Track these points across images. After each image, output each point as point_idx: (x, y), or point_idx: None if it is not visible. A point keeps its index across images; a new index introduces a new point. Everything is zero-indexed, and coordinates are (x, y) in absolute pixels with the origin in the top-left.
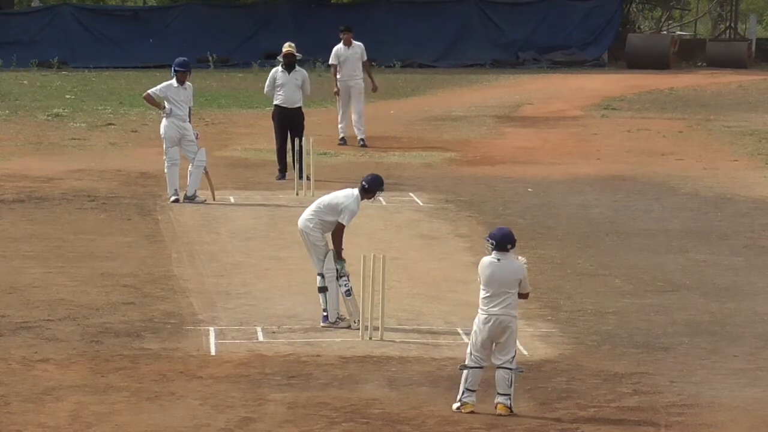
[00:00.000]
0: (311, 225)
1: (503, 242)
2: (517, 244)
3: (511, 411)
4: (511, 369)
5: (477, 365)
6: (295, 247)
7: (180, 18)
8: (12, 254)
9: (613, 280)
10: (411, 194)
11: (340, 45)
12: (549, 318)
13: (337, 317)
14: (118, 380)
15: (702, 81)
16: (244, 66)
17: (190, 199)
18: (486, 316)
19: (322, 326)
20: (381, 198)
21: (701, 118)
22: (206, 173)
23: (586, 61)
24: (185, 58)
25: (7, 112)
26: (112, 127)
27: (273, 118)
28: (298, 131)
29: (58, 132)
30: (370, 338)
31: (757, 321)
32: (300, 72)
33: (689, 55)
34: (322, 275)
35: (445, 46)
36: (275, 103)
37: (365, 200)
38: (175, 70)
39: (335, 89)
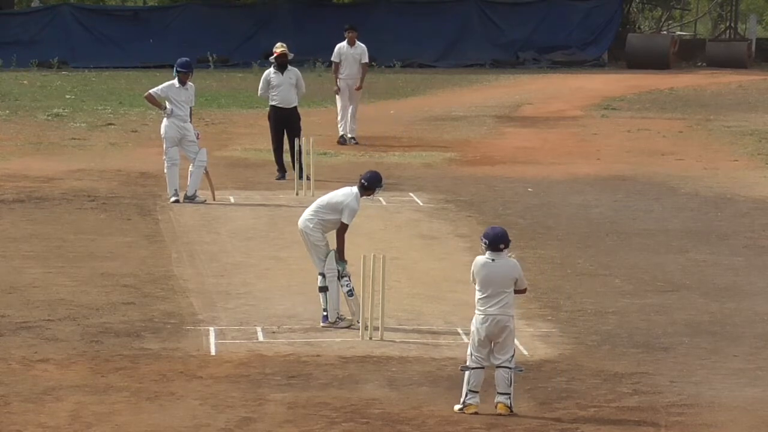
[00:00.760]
0: (311, 225)
1: (496, 242)
2: (512, 243)
3: (511, 410)
4: (510, 368)
5: (478, 365)
6: (295, 247)
7: (180, 18)
8: (12, 254)
9: (613, 280)
10: (411, 194)
11: (344, 43)
12: (549, 318)
13: (337, 317)
14: (118, 380)
15: (702, 81)
16: (244, 66)
17: (190, 199)
18: (483, 316)
19: (322, 326)
20: (381, 198)
21: (701, 118)
22: (207, 173)
23: (586, 61)
24: (187, 59)
25: (7, 112)
26: (112, 127)
27: (269, 119)
28: (294, 131)
29: (58, 132)
30: (370, 338)
31: (757, 321)
32: (293, 71)
33: (689, 55)
34: (323, 275)
35: (445, 46)
36: (271, 103)
37: (365, 198)
38: (177, 71)
39: (336, 87)
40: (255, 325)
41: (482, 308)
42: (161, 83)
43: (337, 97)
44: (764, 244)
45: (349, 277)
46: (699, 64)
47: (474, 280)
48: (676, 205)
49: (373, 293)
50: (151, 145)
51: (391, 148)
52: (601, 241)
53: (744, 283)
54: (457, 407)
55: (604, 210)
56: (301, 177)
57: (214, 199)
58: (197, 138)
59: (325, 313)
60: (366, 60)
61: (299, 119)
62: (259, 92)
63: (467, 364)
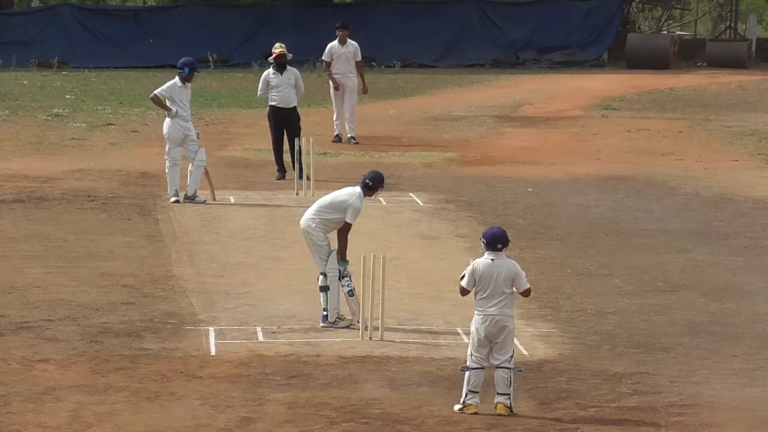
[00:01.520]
0: (313, 225)
1: (493, 242)
2: (512, 244)
3: (511, 410)
4: (509, 368)
5: (478, 366)
6: (295, 247)
7: (180, 18)
8: (12, 254)
9: (613, 280)
10: (411, 194)
11: (335, 42)
12: (549, 318)
13: (337, 317)
14: (118, 380)
15: (702, 81)
16: (244, 66)
17: (190, 199)
18: (482, 316)
19: (322, 326)
20: (381, 198)
21: (701, 118)
22: (206, 173)
23: (586, 61)
24: (192, 59)
25: (7, 112)
26: (112, 127)
27: (268, 119)
28: (294, 131)
29: (58, 132)
30: (370, 338)
31: (757, 321)
32: (292, 71)
33: (689, 55)
34: (324, 274)
35: (445, 46)
36: (270, 104)
37: (366, 198)
38: (189, 71)
39: (334, 85)
40: (255, 325)
41: (481, 308)
42: (161, 83)
43: (332, 96)
44: (764, 244)
45: (350, 277)
46: (699, 64)
47: (473, 281)
48: (676, 205)
49: (373, 293)
50: (151, 145)
51: (391, 148)
52: (601, 241)
53: (744, 283)
54: (456, 407)
55: (604, 210)
56: (301, 177)
57: (214, 199)
58: (197, 137)
59: (325, 313)
60: (359, 58)
61: (299, 119)
62: (259, 92)
63: (467, 364)
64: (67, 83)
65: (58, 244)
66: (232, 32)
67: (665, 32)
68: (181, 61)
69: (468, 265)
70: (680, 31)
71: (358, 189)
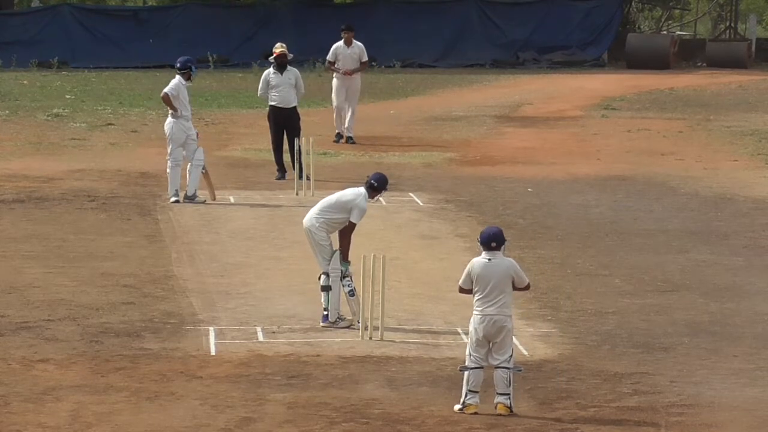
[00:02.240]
0: (317, 224)
1: (488, 240)
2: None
3: (511, 410)
4: (509, 368)
5: (477, 365)
6: (295, 247)
7: (180, 18)
8: (12, 254)
9: (613, 280)
10: (411, 194)
11: (340, 43)
12: (549, 318)
13: (337, 317)
14: (118, 380)
15: (702, 81)
16: (244, 66)
17: (190, 199)
18: (480, 316)
19: (322, 326)
20: (381, 198)
21: (701, 118)
22: (205, 173)
23: (586, 61)
24: (190, 57)
25: (7, 112)
26: (112, 127)
27: (268, 119)
28: (294, 131)
29: (58, 132)
30: (370, 338)
31: (757, 321)
32: (292, 71)
33: (689, 55)
34: (326, 274)
35: (445, 46)
36: (270, 103)
37: (370, 200)
38: (192, 68)
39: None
40: (255, 325)
41: (480, 308)
42: (161, 83)
43: (334, 95)
44: (764, 244)
45: (351, 277)
46: (699, 64)
47: (469, 281)
48: (676, 205)
49: (373, 293)
50: (151, 145)
51: (391, 148)
52: (601, 241)
53: (744, 283)
54: (456, 407)
55: (604, 210)
56: (301, 177)
57: (213, 199)
58: (197, 137)
59: (325, 313)
60: (366, 58)
61: (299, 119)
62: (259, 92)
63: (466, 364)
64: (67, 83)
65: (58, 244)
66: (232, 32)
67: (665, 32)
68: (181, 60)
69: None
70: (680, 31)
71: (362, 189)
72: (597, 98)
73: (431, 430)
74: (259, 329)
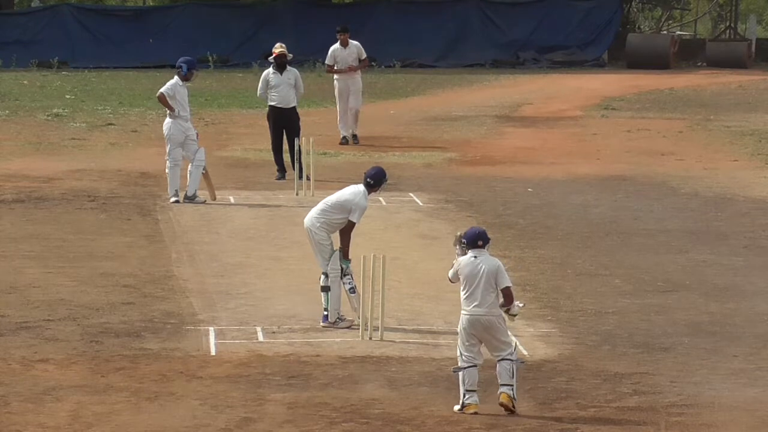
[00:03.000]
0: (318, 224)
1: (474, 239)
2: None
3: (514, 400)
4: (512, 360)
5: (470, 364)
6: (295, 247)
7: (180, 18)
8: (12, 254)
9: (613, 280)
10: (411, 194)
11: (337, 45)
12: (549, 318)
13: (338, 317)
14: (118, 380)
15: (702, 81)
16: (244, 66)
17: (190, 199)
18: (468, 316)
19: (322, 326)
20: (381, 198)
21: (701, 118)
22: (205, 173)
23: (586, 61)
24: (191, 57)
25: (7, 112)
26: (112, 127)
27: (268, 119)
28: (293, 131)
29: (58, 132)
30: (370, 338)
31: (757, 321)
32: (292, 71)
33: (689, 55)
34: (326, 274)
35: (445, 46)
36: (270, 104)
37: (370, 195)
38: (187, 69)
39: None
40: (255, 325)
41: (468, 308)
42: (161, 83)
43: (337, 98)
44: (764, 244)
45: (351, 275)
46: (699, 64)
47: (455, 276)
48: (676, 205)
49: (373, 293)
50: (151, 145)
51: (391, 148)
52: (601, 241)
53: (744, 283)
54: (456, 408)
55: (604, 210)
56: (300, 177)
57: (213, 199)
58: (197, 138)
59: (325, 313)
60: (364, 56)
61: (298, 119)
62: (258, 92)
63: (459, 365)
64: (67, 83)
65: (58, 244)
66: (232, 32)
67: (665, 32)
68: (179, 60)
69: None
70: (680, 31)
71: (361, 187)
72: (597, 98)
73: (431, 430)
74: (259, 329)
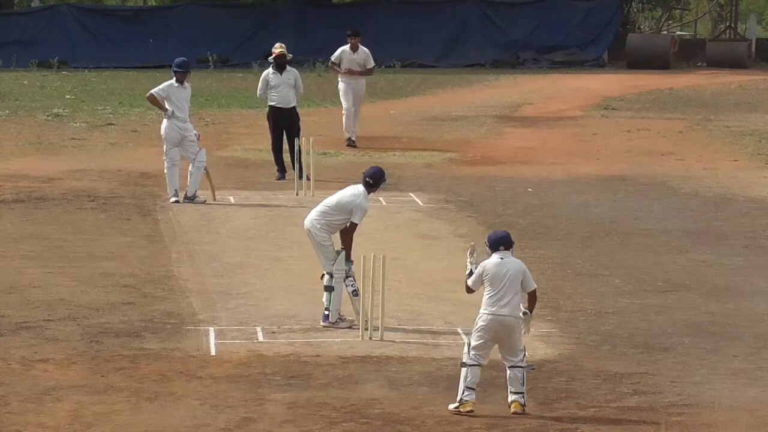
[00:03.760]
0: (318, 226)
1: (496, 243)
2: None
3: (524, 407)
4: (523, 368)
5: (476, 363)
6: (295, 247)
7: (180, 18)
8: (12, 254)
9: (613, 280)
10: (411, 194)
11: (347, 47)
12: (549, 318)
13: (338, 318)
14: (118, 380)
15: (702, 81)
16: (244, 66)
17: (190, 199)
18: (492, 316)
19: (323, 325)
20: (381, 198)
21: (701, 118)
22: (207, 173)
23: (586, 61)
24: (185, 58)
25: (7, 112)
26: (112, 127)
27: (268, 119)
28: (293, 131)
29: (58, 132)
30: (370, 338)
31: (757, 321)
32: (292, 71)
33: (689, 55)
34: (330, 274)
35: (445, 46)
36: (270, 104)
37: (370, 195)
38: (174, 71)
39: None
40: (255, 325)
41: (492, 308)
42: (161, 83)
43: (342, 98)
44: (764, 244)
45: (353, 277)
46: (699, 64)
47: (479, 282)
48: (676, 205)
49: (373, 293)
50: (151, 145)
51: (391, 148)
52: (601, 241)
53: (744, 283)
54: (452, 406)
55: (604, 210)
56: (300, 177)
57: (214, 199)
58: (197, 138)
59: (326, 312)
60: (371, 64)
61: (298, 119)
62: (258, 92)
63: (464, 360)
64: (67, 83)
65: (58, 244)
66: (232, 32)
67: (665, 32)
68: (174, 61)
69: (466, 261)
70: (680, 31)
71: (361, 188)
72: (597, 98)
73: (431, 430)
74: (259, 329)
